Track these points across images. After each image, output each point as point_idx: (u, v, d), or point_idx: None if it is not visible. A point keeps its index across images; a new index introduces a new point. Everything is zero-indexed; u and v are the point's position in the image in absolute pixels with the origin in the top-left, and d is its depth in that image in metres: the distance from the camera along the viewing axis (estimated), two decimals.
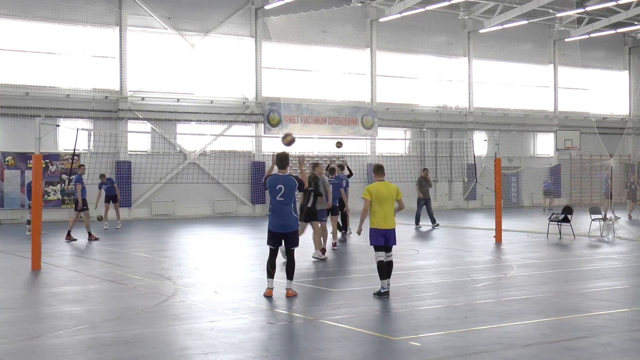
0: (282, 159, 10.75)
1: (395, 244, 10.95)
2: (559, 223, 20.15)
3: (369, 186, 10.94)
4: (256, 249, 17.57)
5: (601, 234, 20.03)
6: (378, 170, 11.11)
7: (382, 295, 10.62)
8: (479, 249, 17.73)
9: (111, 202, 24.19)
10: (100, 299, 10.90)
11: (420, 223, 23.97)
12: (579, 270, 14.01)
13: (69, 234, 19.47)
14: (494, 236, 19.09)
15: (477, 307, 9.99)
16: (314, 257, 15.24)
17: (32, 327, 8.94)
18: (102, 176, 24.03)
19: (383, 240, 10.79)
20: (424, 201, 24.22)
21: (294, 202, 10.68)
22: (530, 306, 10.06)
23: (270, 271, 10.69)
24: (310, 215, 15.22)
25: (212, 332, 8.50)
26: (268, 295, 10.65)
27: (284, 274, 10.95)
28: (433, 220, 23.95)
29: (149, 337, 8.38)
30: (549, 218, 20.63)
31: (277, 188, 10.53)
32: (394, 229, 10.95)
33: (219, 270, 14.11)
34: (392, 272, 10.92)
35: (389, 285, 10.76)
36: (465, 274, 13.12)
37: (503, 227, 19.39)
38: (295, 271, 10.95)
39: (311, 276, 13.20)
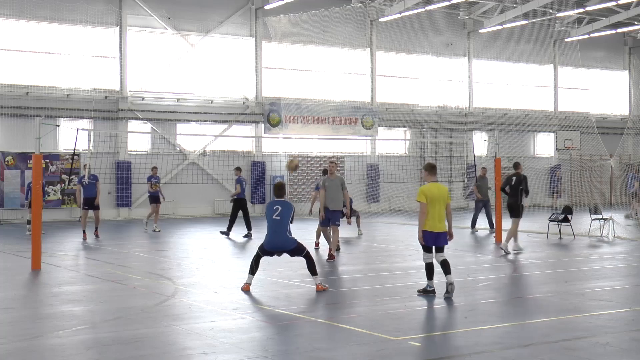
0: (279, 188, 11.56)
1: (446, 243, 10.80)
2: (559, 223, 20.15)
3: (423, 188, 10.69)
4: (256, 249, 17.55)
5: (601, 234, 20.03)
6: (432, 170, 10.83)
7: (428, 293, 10.68)
8: (479, 249, 17.72)
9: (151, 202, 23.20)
10: (100, 299, 10.89)
11: (476, 226, 22.36)
12: (579, 270, 14.00)
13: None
14: (494, 236, 19.08)
15: (477, 307, 9.98)
16: (502, 248, 16.25)
17: (32, 327, 8.94)
18: (154, 169, 23.31)
19: (433, 241, 10.67)
20: (482, 203, 22.24)
21: (288, 224, 11.15)
22: (530, 306, 10.06)
23: (253, 268, 11.29)
24: (516, 212, 16.45)
25: (212, 332, 8.50)
26: (245, 290, 11.12)
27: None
28: (492, 225, 21.70)
29: (149, 337, 8.38)
30: (549, 218, 20.63)
31: (274, 208, 11.20)
32: (445, 232, 10.72)
33: (219, 270, 14.11)
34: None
35: (452, 283, 10.60)
36: (465, 274, 13.11)
37: (503, 227, 19.38)
38: (316, 265, 11.40)
39: (311, 276, 13.18)
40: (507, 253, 15.94)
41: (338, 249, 16.52)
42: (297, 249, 11.22)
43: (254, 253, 11.46)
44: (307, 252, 11.30)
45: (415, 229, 22.03)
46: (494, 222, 20.78)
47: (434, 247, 10.70)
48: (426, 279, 10.79)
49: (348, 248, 18.40)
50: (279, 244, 11.11)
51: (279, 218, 11.06)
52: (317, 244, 17.36)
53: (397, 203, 34.95)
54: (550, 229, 20.48)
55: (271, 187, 31.96)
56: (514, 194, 16.53)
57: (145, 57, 30.20)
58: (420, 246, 10.84)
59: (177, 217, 30.08)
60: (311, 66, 33.59)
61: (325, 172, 18.04)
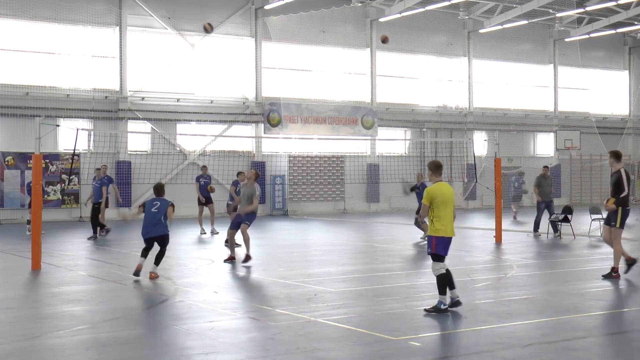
0: (158, 189, 13.19)
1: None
2: (559, 223, 20.13)
3: (430, 188, 9.62)
4: (256, 248, 17.57)
5: (601, 234, 19.99)
6: (437, 168, 9.80)
7: (442, 312, 9.42)
8: (479, 249, 17.72)
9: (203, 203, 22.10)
10: (100, 299, 10.89)
11: (539, 230, 20.69)
12: (579, 270, 13.99)
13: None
14: (494, 236, 19.08)
15: (477, 307, 9.98)
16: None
17: (32, 327, 8.94)
18: (204, 168, 22.56)
19: (447, 249, 9.66)
20: (544, 204, 20.74)
21: (164, 216, 12.75)
22: (530, 306, 10.06)
23: (144, 253, 12.75)
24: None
25: (212, 332, 8.50)
26: (138, 269, 12.41)
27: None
28: (555, 228, 20.33)
29: (149, 337, 8.38)
30: (549, 218, 20.61)
31: (154, 203, 12.86)
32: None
33: (219, 270, 14.11)
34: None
35: (458, 299, 9.61)
36: (465, 274, 13.11)
37: (503, 227, 19.38)
38: (163, 259, 12.84)
39: (311, 276, 13.19)
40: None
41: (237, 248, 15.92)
42: (164, 237, 12.78)
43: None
44: (165, 250, 12.87)
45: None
46: (558, 225, 20.21)
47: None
48: (439, 294, 9.49)
49: (348, 248, 18.41)
50: (151, 231, 12.66)
51: (156, 211, 12.70)
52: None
53: (397, 203, 34.94)
54: (551, 229, 20.46)
55: (271, 187, 32.03)
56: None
57: (145, 57, 30.20)
58: (431, 256, 9.68)
59: (177, 217, 29.99)
60: (311, 66, 33.60)
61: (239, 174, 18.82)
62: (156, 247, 12.81)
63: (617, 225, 12.31)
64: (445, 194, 9.55)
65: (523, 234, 21.39)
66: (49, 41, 28.47)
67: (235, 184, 21.06)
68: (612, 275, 12.39)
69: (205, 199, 21.92)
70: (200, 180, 22.03)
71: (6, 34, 27.88)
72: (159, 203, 12.86)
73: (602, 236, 12.68)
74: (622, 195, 12.21)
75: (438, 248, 9.54)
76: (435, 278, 9.63)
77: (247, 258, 14.57)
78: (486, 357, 7.37)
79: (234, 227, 15.07)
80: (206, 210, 22.14)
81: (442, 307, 9.40)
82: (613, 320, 9.11)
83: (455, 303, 9.59)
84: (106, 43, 29.56)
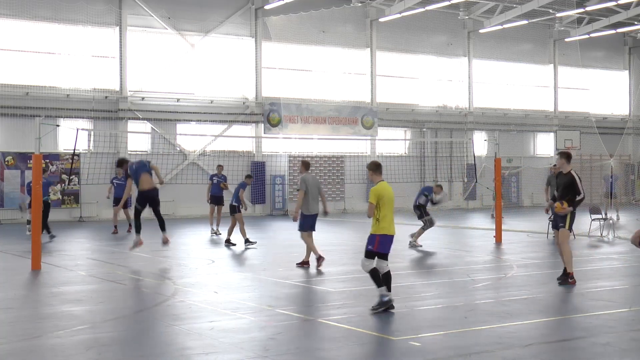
0: (120, 163, 15.96)
1: None
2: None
3: (376, 188, 9.95)
4: (256, 248, 17.57)
5: (601, 234, 20.02)
6: (377, 168, 10.20)
7: (388, 305, 9.51)
8: (479, 249, 17.72)
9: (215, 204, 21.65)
10: (100, 299, 10.89)
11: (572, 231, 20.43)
12: (579, 270, 13.98)
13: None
14: (494, 236, 19.09)
15: (477, 307, 9.98)
16: None
17: (32, 327, 8.94)
18: (219, 167, 22.23)
19: (390, 247, 9.87)
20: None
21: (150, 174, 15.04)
22: (530, 306, 10.06)
23: (139, 227, 15.14)
24: None
25: (212, 332, 8.50)
26: (139, 244, 15.10)
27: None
28: (555, 227, 20.61)
29: (149, 337, 8.38)
30: (549, 218, 20.59)
31: (138, 166, 15.24)
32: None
33: (219, 270, 14.11)
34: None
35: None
36: (465, 274, 13.12)
37: (503, 227, 19.38)
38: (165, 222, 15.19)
39: (311, 276, 13.19)
40: None
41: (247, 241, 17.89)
42: (157, 197, 15.17)
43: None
44: (159, 210, 15.27)
45: (411, 229, 21.18)
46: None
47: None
48: (386, 289, 9.55)
49: (348, 248, 18.40)
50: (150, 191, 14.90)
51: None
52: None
53: (397, 203, 34.72)
54: (550, 229, 20.45)
55: (272, 187, 32.03)
56: None
57: (145, 57, 30.20)
58: (367, 252, 9.78)
59: (177, 217, 30.07)
60: (311, 66, 33.59)
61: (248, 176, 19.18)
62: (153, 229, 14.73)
63: (567, 227, 11.96)
64: (390, 193, 9.91)
65: (523, 234, 21.39)
66: (49, 41, 28.46)
67: (211, 177, 21.59)
68: (568, 281, 11.73)
69: (217, 199, 21.59)
70: (214, 179, 21.85)
71: (6, 34, 27.88)
72: (140, 166, 15.10)
73: (555, 241, 12.46)
74: (579, 198, 11.82)
75: (380, 246, 9.72)
76: (368, 274, 9.70)
77: (303, 263, 14.12)
78: (486, 357, 7.37)
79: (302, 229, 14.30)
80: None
81: (385, 299, 9.49)
82: (613, 320, 9.10)
83: (389, 302, 9.56)
84: (106, 43, 29.56)
